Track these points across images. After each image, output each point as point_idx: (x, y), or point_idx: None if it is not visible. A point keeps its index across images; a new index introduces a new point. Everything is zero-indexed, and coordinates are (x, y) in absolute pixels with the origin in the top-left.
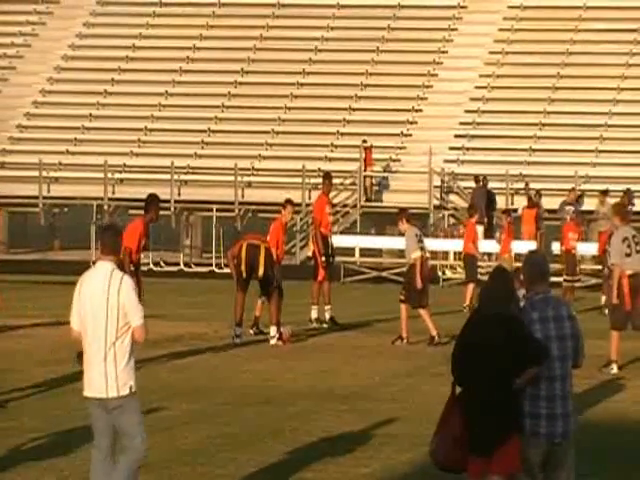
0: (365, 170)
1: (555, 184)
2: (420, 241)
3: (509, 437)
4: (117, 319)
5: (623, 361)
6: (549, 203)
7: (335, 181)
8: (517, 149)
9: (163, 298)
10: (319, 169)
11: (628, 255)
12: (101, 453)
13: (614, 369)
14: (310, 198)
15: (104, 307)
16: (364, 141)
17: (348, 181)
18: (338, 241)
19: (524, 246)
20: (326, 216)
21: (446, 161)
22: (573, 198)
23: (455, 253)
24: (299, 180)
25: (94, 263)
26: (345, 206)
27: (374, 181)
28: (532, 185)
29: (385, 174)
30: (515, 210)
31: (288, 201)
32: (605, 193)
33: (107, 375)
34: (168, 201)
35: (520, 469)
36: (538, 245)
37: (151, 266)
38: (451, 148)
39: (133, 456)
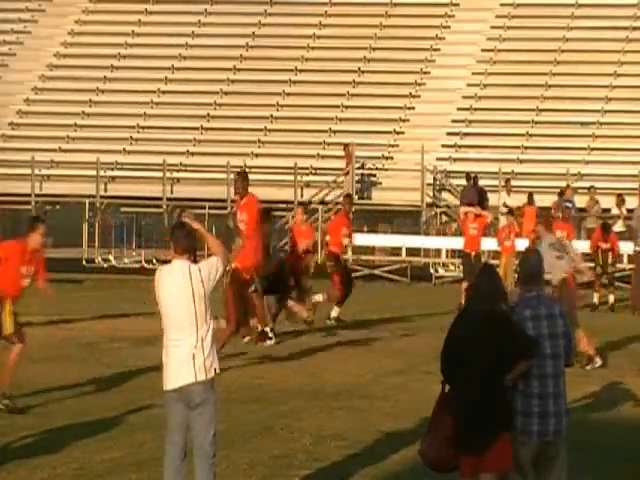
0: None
1: (546, 182)
2: None
3: (500, 435)
4: (204, 309)
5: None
6: (541, 201)
7: (327, 179)
8: (509, 147)
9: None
10: (311, 166)
11: None
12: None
13: (597, 362)
14: (302, 196)
15: (190, 298)
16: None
17: (340, 179)
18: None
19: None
20: (340, 236)
21: (438, 159)
22: (570, 195)
23: (447, 251)
24: (291, 178)
25: (168, 262)
26: (337, 204)
27: (365, 179)
28: (524, 183)
29: (376, 172)
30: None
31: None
32: (591, 190)
33: (195, 363)
34: (160, 198)
35: (511, 467)
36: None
37: (143, 264)
38: (443, 146)
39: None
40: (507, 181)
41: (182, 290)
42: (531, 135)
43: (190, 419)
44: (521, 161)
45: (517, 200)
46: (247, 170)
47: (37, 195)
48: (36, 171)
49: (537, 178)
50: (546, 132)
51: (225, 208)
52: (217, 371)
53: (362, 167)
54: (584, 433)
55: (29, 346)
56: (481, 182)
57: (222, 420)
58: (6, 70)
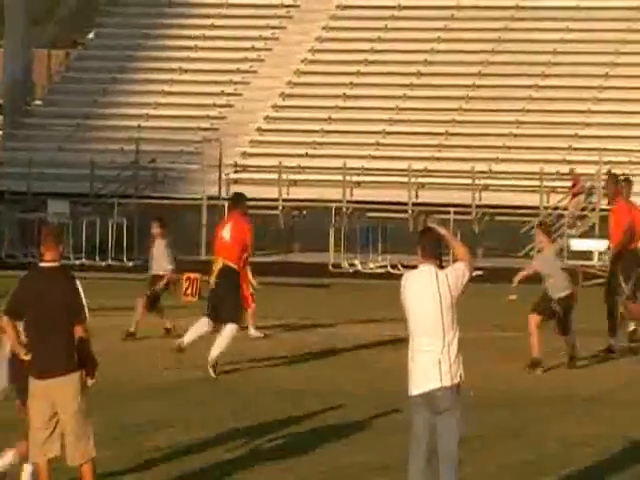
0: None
1: None
2: None
3: None
4: (451, 314)
5: None
6: None
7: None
8: None
9: None
10: (557, 172)
11: None
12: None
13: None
14: (548, 202)
15: (437, 304)
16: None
17: (588, 184)
18: (578, 245)
19: None
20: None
21: None
22: None
23: None
24: (537, 183)
25: (414, 267)
26: (583, 209)
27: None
28: None
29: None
30: None
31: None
32: None
33: (441, 369)
34: (405, 203)
35: None
36: None
37: (389, 269)
38: None
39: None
40: None
41: (429, 295)
42: None
43: (435, 424)
44: None
45: None
46: (492, 175)
47: (284, 200)
48: (283, 176)
49: None
50: None
51: (469, 213)
52: (462, 377)
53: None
54: None
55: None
56: None
57: (470, 425)
58: (255, 76)
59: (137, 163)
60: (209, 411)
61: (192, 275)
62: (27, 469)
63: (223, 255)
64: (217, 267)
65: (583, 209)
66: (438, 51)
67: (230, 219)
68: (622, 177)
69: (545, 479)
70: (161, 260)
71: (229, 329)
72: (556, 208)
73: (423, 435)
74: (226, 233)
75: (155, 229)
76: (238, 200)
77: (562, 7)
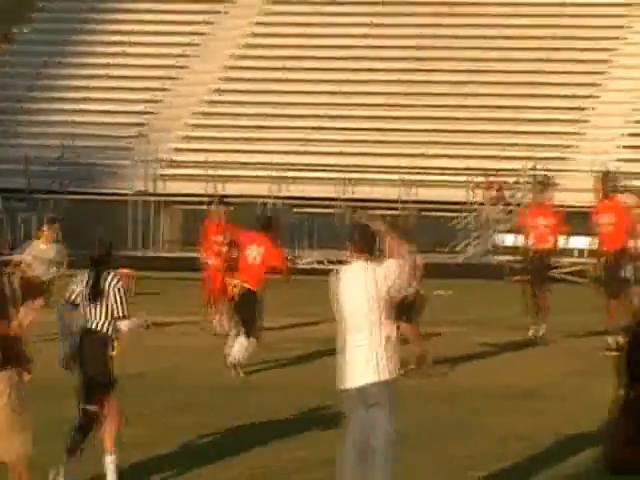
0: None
1: None
2: None
3: None
4: (383, 309)
5: None
6: None
7: (507, 180)
8: None
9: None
10: (489, 168)
11: None
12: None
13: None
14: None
15: (369, 299)
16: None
17: (523, 179)
18: (505, 240)
19: None
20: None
21: (619, 160)
22: None
23: None
24: (464, 179)
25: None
26: (518, 205)
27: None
28: None
29: (556, 173)
30: None
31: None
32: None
33: (375, 363)
34: (336, 199)
35: None
36: None
37: (314, 265)
38: (624, 147)
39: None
40: None
41: (361, 291)
42: None
43: (369, 419)
44: None
45: None
46: (420, 171)
47: (214, 196)
48: (214, 172)
49: None
50: None
51: (396, 209)
52: (397, 372)
53: (533, 169)
54: None
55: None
56: None
57: (403, 420)
58: (186, 72)
59: (68, 159)
60: (144, 406)
61: (124, 271)
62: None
63: (244, 278)
64: (237, 291)
65: (508, 204)
66: (367, 46)
67: (258, 241)
68: (541, 180)
69: (480, 474)
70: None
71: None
72: (482, 204)
73: (355, 430)
74: (254, 254)
75: (46, 230)
76: (269, 224)
77: (493, 3)
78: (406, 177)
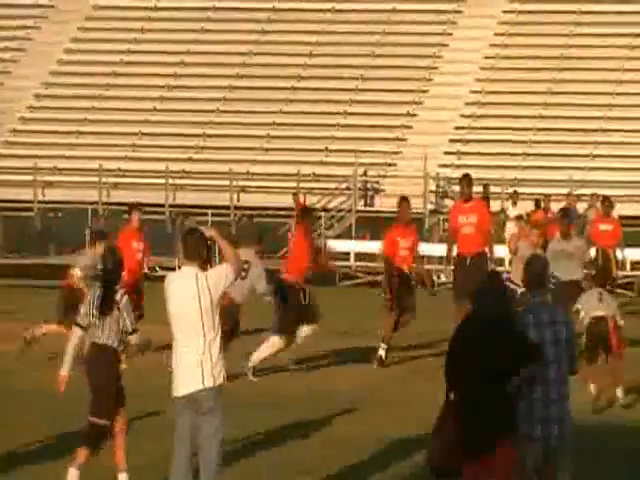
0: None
1: (549, 189)
2: None
3: (503, 442)
4: (212, 315)
5: None
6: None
7: (330, 185)
8: (512, 154)
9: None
10: (313, 173)
11: None
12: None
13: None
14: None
15: (198, 305)
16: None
17: (343, 185)
18: (334, 246)
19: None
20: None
21: (441, 165)
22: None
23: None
24: (293, 185)
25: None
26: (340, 211)
27: (368, 186)
28: (527, 190)
29: (379, 179)
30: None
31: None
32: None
33: (203, 370)
34: (163, 205)
35: (514, 475)
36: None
37: (146, 270)
38: (446, 153)
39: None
40: (514, 193)
41: (190, 297)
42: (534, 142)
43: (197, 426)
44: (524, 168)
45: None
46: (249, 177)
47: (40, 202)
48: (39, 178)
49: (541, 185)
50: (549, 139)
51: (228, 215)
52: (225, 378)
53: (365, 174)
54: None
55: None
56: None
57: (232, 426)
58: (9, 77)
59: None
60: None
61: None
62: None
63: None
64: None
65: (340, 210)
66: (194, 52)
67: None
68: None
69: (306, 479)
70: None
71: (271, 340)
72: (314, 209)
73: (186, 436)
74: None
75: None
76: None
77: (315, 10)
78: (235, 183)
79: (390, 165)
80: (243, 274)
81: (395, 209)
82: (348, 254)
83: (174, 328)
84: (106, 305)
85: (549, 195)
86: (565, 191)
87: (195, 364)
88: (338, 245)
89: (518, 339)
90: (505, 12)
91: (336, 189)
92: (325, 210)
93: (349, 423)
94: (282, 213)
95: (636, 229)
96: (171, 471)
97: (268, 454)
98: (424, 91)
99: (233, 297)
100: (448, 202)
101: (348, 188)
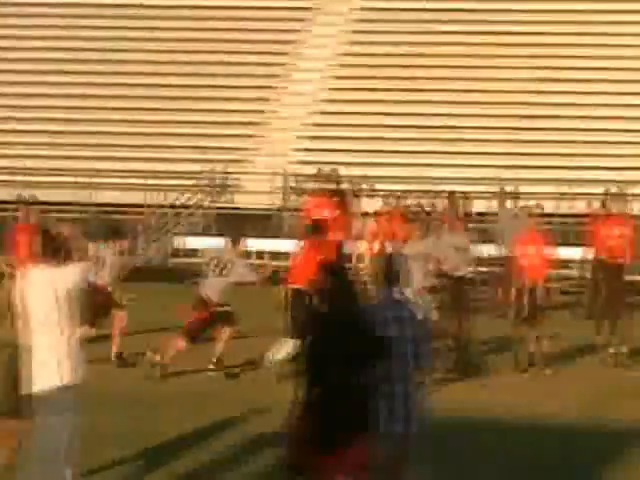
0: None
1: (403, 185)
2: None
3: (356, 436)
4: (67, 313)
5: None
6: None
7: (186, 182)
8: (362, 150)
9: None
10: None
11: None
12: None
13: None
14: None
15: (52, 302)
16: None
17: (204, 182)
18: (187, 243)
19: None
20: None
21: (292, 162)
22: None
23: None
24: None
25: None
26: (188, 207)
27: (223, 182)
28: (385, 187)
29: (235, 175)
30: None
31: None
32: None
33: (60, 367)
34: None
35: (366, 468)
36: None
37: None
38: (297, 149)
39: None
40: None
41: (44, 293)
42: (385, 139)
43: (54, 424)
44: (373, 164)
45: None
46: (97, 174)
47: None
48: None
49: (396, 182)
50: (399, 136)
51: (71, 212)
52: (81, 376)
53: (212, 171)
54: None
55: None
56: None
57: (98, 423)
58: None
59: None
60: None
61: None
62: None
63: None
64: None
65: (188, 207)
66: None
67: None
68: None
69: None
70: None
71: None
72: (162, 206)
73: (39, 434)
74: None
75: None
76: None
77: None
78: (80, 180)
79: (243, 162)
80: (224, 272)
81: (250, 206)
82: (196, 250)
83: (29, 325)
84: None
85: (405, 192)
86: (422, 188)
87: (51, 361)
88: (191, 242)
89: (367, 334)
90: (354, 9)
91: (193, 186)
92: (172, 207)
93: (199, 420)
94: (131, 210)
95: (486, 225)
96: (19, 470)
97: (109, 455)
98: (276, 88)
99: (209, 295)
100: (302, 199)
101: (196, 185)
